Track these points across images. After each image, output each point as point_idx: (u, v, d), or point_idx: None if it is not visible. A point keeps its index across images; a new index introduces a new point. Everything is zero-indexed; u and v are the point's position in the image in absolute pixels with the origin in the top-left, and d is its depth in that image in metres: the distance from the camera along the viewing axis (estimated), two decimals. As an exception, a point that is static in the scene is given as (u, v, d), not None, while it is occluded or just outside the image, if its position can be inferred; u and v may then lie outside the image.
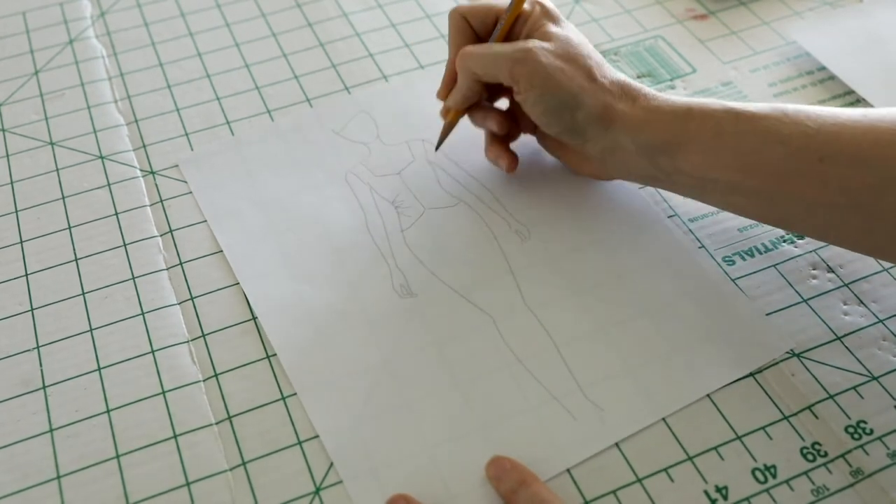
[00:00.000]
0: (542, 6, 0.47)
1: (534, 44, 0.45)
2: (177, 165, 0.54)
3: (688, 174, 0.43)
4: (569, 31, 0.47)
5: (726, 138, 0.41)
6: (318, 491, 0.40)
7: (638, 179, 0.48)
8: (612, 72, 0.46)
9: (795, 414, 0.42)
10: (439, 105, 0.51)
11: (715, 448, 0.41)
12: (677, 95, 0.45)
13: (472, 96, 0.48)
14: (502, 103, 0.52)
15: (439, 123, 0.53)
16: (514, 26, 0.48)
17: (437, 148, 0.52)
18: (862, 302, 0.46)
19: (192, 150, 0.55)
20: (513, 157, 0.50)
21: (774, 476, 0.40)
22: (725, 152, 0.41)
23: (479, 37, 0.49)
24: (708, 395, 0.42)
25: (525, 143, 0.53)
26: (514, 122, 0.50)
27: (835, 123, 0.39)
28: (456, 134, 0.53)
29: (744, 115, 0.41)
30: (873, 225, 0.39)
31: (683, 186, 0.45)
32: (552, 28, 0.46)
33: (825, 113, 0.40)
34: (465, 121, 0.54)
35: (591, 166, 0.49)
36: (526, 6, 0.47)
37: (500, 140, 0.51)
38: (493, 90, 0.50)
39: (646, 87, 0.45)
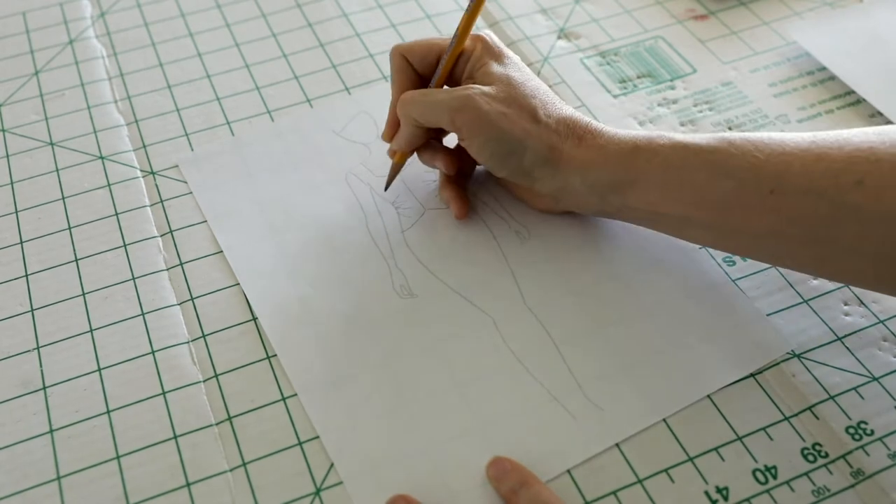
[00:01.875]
0: (484, 43, 0.46)
1: (473, 90, 0.44)
2: (177, 166, 0.54)
3: (639, 209, 0.43)
4: (511, 68, 0.45)
5: (674, 174, 0.41)
6: (318, 491, 0.40)
7: (592, 214, 0.48)
8: (559, 108, 0.45)
9: (796, 415, 0.42)
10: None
11: (715, 449, 0.41)
12: (626, 130, 0.44)
13: (416, 140, 0.47)
14: (451, 139, 0.51)
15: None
16: (455, 65, 0.47)
17: (385, 188, 0.51)
18: (862, 302, 0.46)
19: (192, 150, 0.55)
20: (464, 201, 0.49)
21: (775, 477, 0.40)
22: (674, 188, 0.41)
23: (421, 76, 0.47)
24: (708, 396, 0.42)
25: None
26: (466, 157, 0.48)
27: (783, 153, 0.39)
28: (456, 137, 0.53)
29: (691, 149, 0.41)
30: (827, 254, 0.39)
31: (636, 220, 0.45)
32: (494, 68, 0.45)
33: (773, 142, 0.40)
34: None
35: (544, 202, 0.48)
36: (467, 43, 0.46)
37: (454, 181, 0.50)
38: (439, 129, 0.48)
39: (593, 123, 0.44)
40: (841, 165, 0.37)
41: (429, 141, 0.48)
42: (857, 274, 0.40)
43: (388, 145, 0.50)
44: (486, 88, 0.44)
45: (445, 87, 0.48)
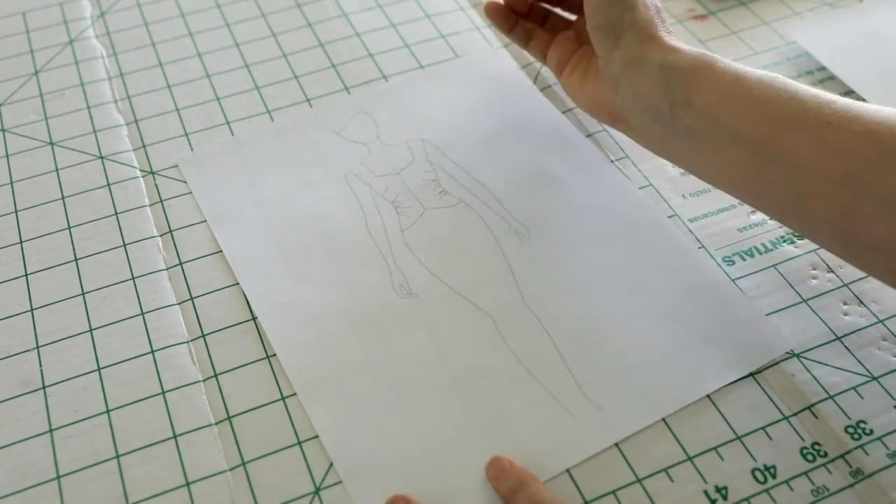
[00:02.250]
0: None
1: None
2: (177, 165, 0.54)
3: (695, 112, 0.43)
4: None
5: (747, 83, 0.42)
6: (318, 491, 0.40)
7: (642, 112, 0.46)
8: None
9: (795, 414, 0.42)
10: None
11: (715, 448, 0.41)
12: None
13: None
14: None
15: (439, 124, 0.53)
16: None
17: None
18: (862, 302, 0.46)
19: (192, 150, 0.55)
20: (505, 14, 0.54)
21: (774, 476, 0.40)
22: (741, 96, 0.42)
23: None
24: (708, 396, 0.42)
25: (526, 144, 0.54)
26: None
27: (849, 101, 0.40)
28: (456, 134, 0.53)
29: (766, 76, 0.42)
30: (857, 204, 0.38)
31: (683, 129, 0.44)
32: None
33: (825, 93, 0.41)
34: (467, 120, 0.54)
35: (600, 91, 0.48)
36: None
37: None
38: None
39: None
40: None
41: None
42: (882, 231, 0.38)
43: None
44: None
45: None
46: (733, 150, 0.42)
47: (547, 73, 0.59)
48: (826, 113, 0.39)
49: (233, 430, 0.42)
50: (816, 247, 0.48)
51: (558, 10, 0.55)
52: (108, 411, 0.42)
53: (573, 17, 0.54)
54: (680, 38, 0.46)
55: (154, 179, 0.53)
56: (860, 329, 0.45)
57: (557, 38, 0.53)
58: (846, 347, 0.44)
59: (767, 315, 0.45)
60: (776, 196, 0.41)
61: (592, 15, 0.47)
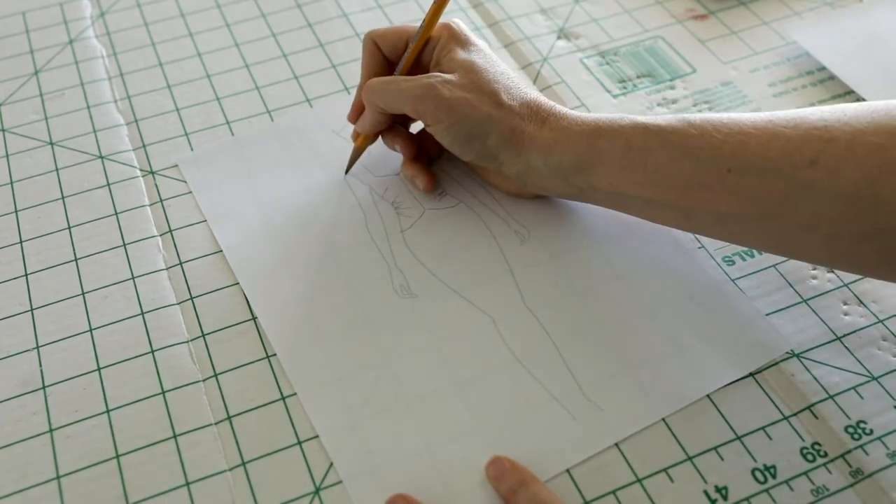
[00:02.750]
0: (450, 30, 0.47)
1: (435, 78, 0.45)
2: (177, 165, 0.54)
3: (602, 191, 0.44)
4: (476, 55, 0.46)
5: (635, 155, 0.42)
6: (317, 491, 0.40)
7: (558, 196, 0.49)
8: (523, 92, 0.46)
9: (795, 414, 0.42)
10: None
11: (715, 448, 0.41)
12: (587, 113, 0.46)
13: (379, 125, 0.49)
14: (416, 126, 0.52)
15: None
16: (422, 52, 0.48)
17: (346, 172, 0.52)
18: (862, 302, 0.46)
19: (192, 150, 0.55)
20: (430, 175, 0.51)
21: (774, 476, 0.40)
22: (635, 169, 0.42)
23: (390, 61, 0.49)
24: (708, 396, 0.42)
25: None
26: (433, 140, 0.50)
27: (740, 132, 0.40)
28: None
29: (652, 130, 0.41)
30: (784, 232, 0.39)
31: (601, 202, 0.46)
32: (459, 55, 0.46)
33: (731, 121, 0.40)
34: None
35: (511, 185, 0.49)
36: (435, 31, 0.48)
37: (417, 159, 0.51)
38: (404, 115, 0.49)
39: (557, 107, 0.45)
40: (796, 144, 0.38)
41: (392, 125, 0.50)
42: (813, 252, 0.40)
43: (390, 147, 0.50)
44: (447, 76, 0.45)
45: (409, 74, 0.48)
46: (653, 209, 0.43)
47: (547, 73, 0.59)
48: (721, 161, 0.39)
49: (233, 430, 0.42)
50: (816, 247, 0.48)
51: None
52: (108, 411, 0.42)
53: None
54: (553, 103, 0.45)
55: (154, 179, 0.53)
56: (860, 329, 0.45)
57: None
58: (846, 347, 0.44)
59: (767, 315, 0.45)
60: (708, 234, 0.43)
61: (460, 155, 0.47)
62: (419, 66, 0.48)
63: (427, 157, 0.52)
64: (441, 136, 0.46)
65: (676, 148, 0.41)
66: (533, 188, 0.48)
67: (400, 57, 0.49)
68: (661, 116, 0.42)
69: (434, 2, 0.46)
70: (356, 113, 0.50)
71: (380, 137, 0.51)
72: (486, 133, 0.45)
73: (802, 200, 0.38)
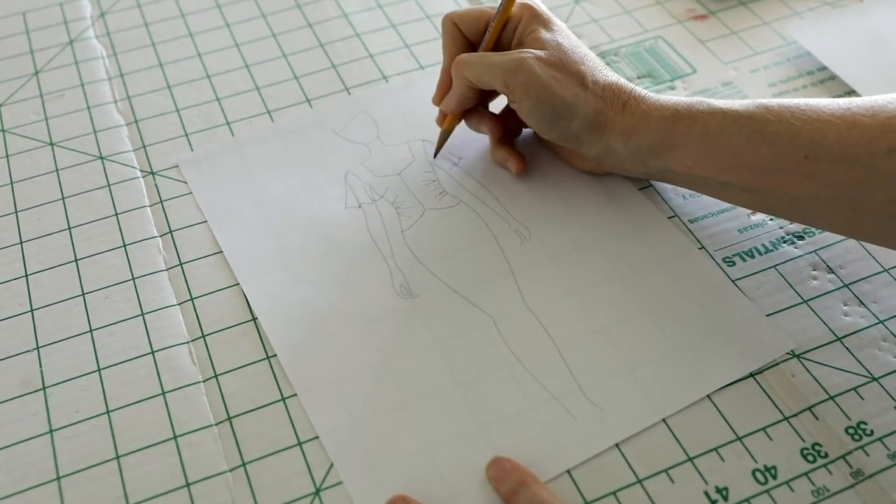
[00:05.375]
0: (531, 10, 0.48)
1: (527, 53, 0.45)
2: (177, 166, 0.54)
3: (679, 173, 0.45)
4: (560, 35, 0.47)
5: (713, 140, 0.42)
6: (318, 491, 0.40)
7: (634, 176, 0.50)
8: (605, 74, 0.46)
9: (796, 415, 0.42)
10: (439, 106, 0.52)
11: (715, 449, 0.41)
12: (670, 96, 0.46)
13: (467, 102, 0.49)
14: (498, 104, 0.53)
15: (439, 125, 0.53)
16: (503, 32, 0.49)
17: (435, 155, 0.53)
18: (862, 303, 0.46)
19: (192, 150, 0.55)
20: (520, 157, 0.51)
21: (775, 477, 0.40)
22: (713, 153, 0.43)
23: (471, 42, 0.49)
24: (708, 396, 0.42)
25: (524, 143, 0.54)
26: (514, 120, 0.51)
27: (818, 119, 0.40)
28: (456, 135, 0.53)
29: (730, 115, 0.42)
30: (859, 218, 0.40)
31: (677, 183, 0.47)
32: (543, 34, 0.47)
33: (810, 108, 0.41)
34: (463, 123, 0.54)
35: (587, 164, 0.50)
36: (514, 11, 0.48)
37: (504, 141, 0.52)
38: (487, 93, 0.50)
39: (637, 90, 0.46)
40: (874, 132, 0.39)
41: (476, 106, 0.51)
42: (887, 237, 0.41)
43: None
44: (539, 52, 0.45)
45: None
46: (729, 191, 0.44)
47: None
48: (798, 147, 0.40)
49: (233, 430, 0.42)
50: (817, 247, 0.48)
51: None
52: (108, 412, 0.42)
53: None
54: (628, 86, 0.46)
55: (154, 180, 0.53)
56: (860, 330, 0.45)
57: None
58: (846, 348, 0.44)
59: (768, 315, 0.45)
60: (783, 216, 0.44)
61: (542, 134, 0.48)
62: (499, 48, 0.49)
63: (512, 138, 0.52)
64: (527, 114, 0.46)
65: (754, 133, 0.41)
66: (609, 168, 0.49)
67: (480, 38, 0.49)
68: (739, 101, 0.43)
69: None
70: (441, 94, 0.51)
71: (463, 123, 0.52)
72: (573, 114, 0.45)
73: (880, 188, 0.38)
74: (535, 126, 0.47)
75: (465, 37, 0.49)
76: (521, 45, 0.47)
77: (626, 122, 0.45)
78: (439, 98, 0.51)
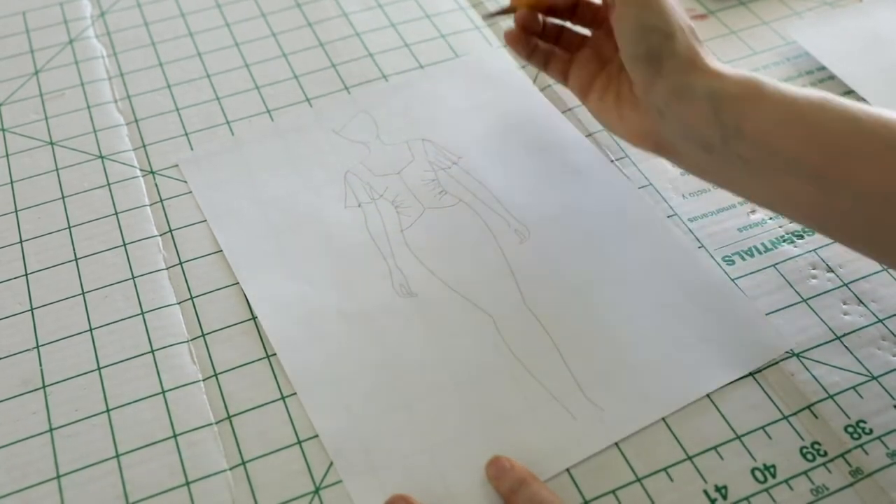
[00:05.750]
0: None
1: None
2: (177, 165, 0.54)
3: (748, 140, 0.40)
4: None
5: (799, 106, 0.39)
6: (317, 490, 0.40)
7: (691, 142, 0.43)
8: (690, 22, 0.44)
9: (795, 414, 0.42)
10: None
11: (714, 448, 0.41)
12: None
13: None
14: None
15: (439, 124, 0.53)
16: None
17: (487, 17, 0.53)
18: (861, 302, 0.46)
19: (192, 150, 0.55)
20: (519, 36, 0.50)
21: (774, 476, 0.40)
22: (796, 121, 0.39)
23: None
24: (708, 395, 0.42)
25: (526, 144, 0.54)
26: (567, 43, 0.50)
27: None
28: (457, 136, 0.53)
29: (816, 93, 0.40)
30: None
31: (736, 158, 0.41)
32: None
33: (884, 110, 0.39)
34: (466, 120, 0.54)
35: (643, 122, 0.45)
36: None
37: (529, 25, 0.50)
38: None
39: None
40: None
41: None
42: None
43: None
44: None
45: None
46: (791, 178, 0.40)
47: (547, 72, 0.59)
48: (886, 135, 0.37)
49: (233, 429, 0.42)
50: (816, 246, 0.48)
51: (571, 26, 0.51)
52: (108, 411, 0.43)
53: (588, 33, 0.51)
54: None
55: (154, 179, 0.53)
56: (860, 328, 0.45)
57: (577, 59, 0.50)
58: (846, 347, 0.44)
59: (767, 315, 0.45)
60: (844, 223, 0.40)
61: (627, 44, 0.44)
62: None
63: (561, 44, 0.51)
64: (623, 16, 0.43)
65: (844, 110, 0.39)
66: (670, 125, 0.43)
67: None
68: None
69: None
70: None
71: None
72: (671, 34, 0.42)
73: None
74: (627, 34, 0.43)
75: None
76: None
77: (714, 68, 0.42)
78: None
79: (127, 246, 0.50)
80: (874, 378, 0.43)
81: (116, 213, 0.51)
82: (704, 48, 0.43)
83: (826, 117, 0.39)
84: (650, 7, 0.42)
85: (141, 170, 0.54)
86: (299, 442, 0.41)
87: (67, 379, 0.44)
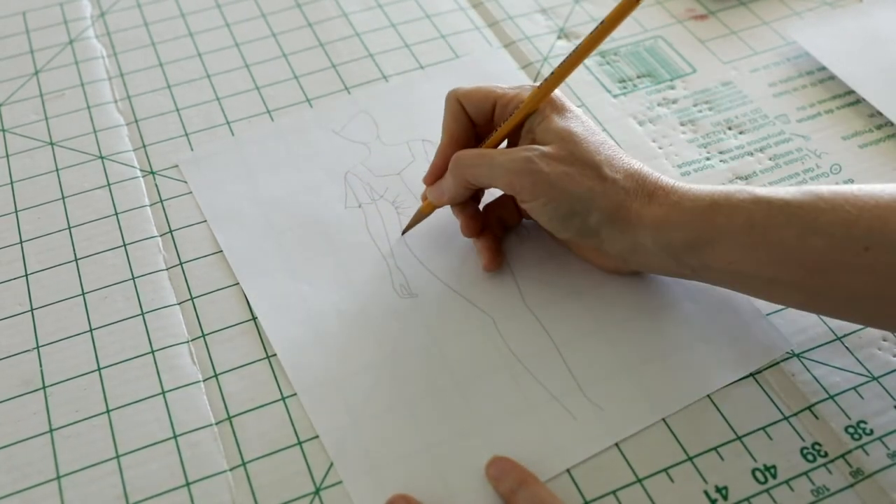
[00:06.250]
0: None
1: (533, 151, 0.41)
2: (177, 165, 0.54)
3: (719, 270, 0.40)
4: (573, 122, 0.43)
5: (759, 232, 0.38)
6: (318, 491, 0.40)
7: (665, 275, 0.45)
8: (626, 163, 0.42)
9: (795, 414, 0.42)
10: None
11: (715, 448, 0.41)
12: (698, 185, 0.41)
13: (461, 197, 0.46)
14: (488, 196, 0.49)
15: (439, 124, 0.53)
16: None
17: (403, 232, 0.49)
18: (862, 302, 0.46)
19: (192, 150, 0.55)
20: (493, 253, 0.47)
21: (774, 476, 0.40)
22: (759, 248, 0.38)
23: (474, 123, 0.46)
24: (708, 396, 0.42)
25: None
26: (508, 211, 0.48)
27: (877, 206, 0.36)
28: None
29: (776, 204, 0.38)
30: None
31: (716, 281, 0.42)
32: (555, 123, 0.42)
33: (865, 194, 0.37)
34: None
35: (611, 263, 0.45)
36: (521, 94, 0.44)
37: (482, 233, 0.47)
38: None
39: (664, 178, 0.41)
40: None
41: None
42: None
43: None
44: (545, 148, 0.41)
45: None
46: (775, 289, 0.40)
47: (547, 72, 0.59)
48: (857, 239, 0.36)
49: (233, 430, 0.42)
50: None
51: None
52: (108, 411, 0.42)
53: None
54: (646, 159, 0.43)
55: (154, 179, 0.53)
56: (860, 329, 0.45)
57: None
58: (846, 347, 0.44)
59: (767, 315, 0.45)
60: (844, 315, 0.40)
61: (556, 233, 0.44)
62: (508, 133, 0.45)
63: (501, 227, 0.48)
64: (537, 213, 0.42)
65: (805, 225, 0.37)
66: (635, 266, 0.45)
67: (486, 118, 0.45)
68: (784, 188, 0.39)
69: (551, 75, 0.42)
70: (433, 176, 0.46)
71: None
72: (588, 210, 0.41)
73: None
74: (548, 225, 0.43)
75: (469, 117, 0.45)
76: (530, 134, 0.43)
77: (654, 214, 0.40)
78: (431, 180, 0.46)
79: (127, 246, 0.50)
80: (875, 378, 0.43)
81: (116, 214, 0.51)
82: (640, 186, 0.41)
83: (789, 237, 0.37)
84: (553, 197, 0.41)
85: (141, 170, 0.54)
86: (299, 442, 0.41)
87: (67, 379, 0.44)
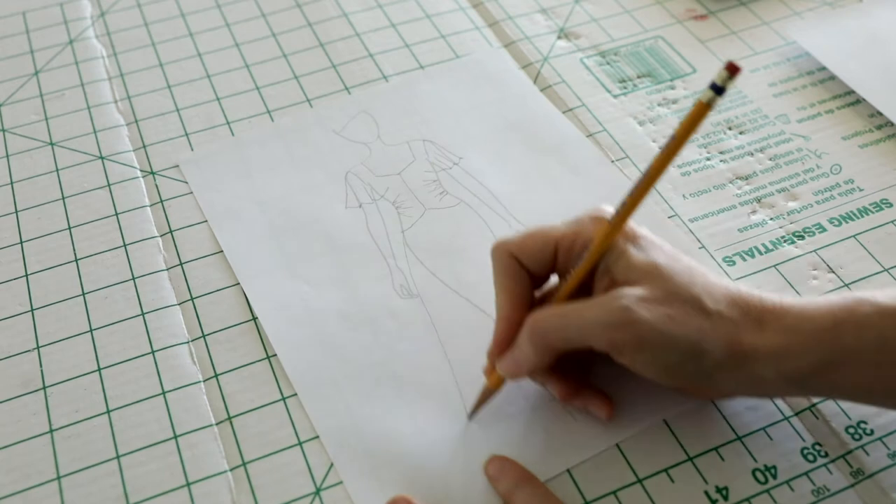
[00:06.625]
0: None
1: (626, 298, 0.35)
2: (177, 165, 0.54)
3: (850, 390, 0.37)
4: (654, 252, 0.37)
5: (892, 348, 0.35)
6: (318, 491, 0.40)
7: (779, 397, 0.42)
8: (721, 286, 0.37)
9: (796, 414, 0.42)
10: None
11: (715, 448, 0.41)
12: (812, 297, 0.37)
13: (542, 366, 0.38)
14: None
15: (439, 124, 0.53)
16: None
17: (470, 416, 0.42)
18: (862, 302, 0.46)
19: (192, 150, 0.55)
20: (604, 399, 0.41)
21: (775, 476, 0.40)
22: (894, 364, 0.35)
23: (533, 275, 0.39)
24: (708, 396, 0.42)
25: (526, 144, 0.53)
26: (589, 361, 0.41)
27: None
28: (458, 136, 0.53)
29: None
30: None
31: (841, 398, 0.40)
32: (635, 256, 0.37)
33: None
34: (467, 120, 0.54)
35: (717, 394, 0.41)
36: (587, 228, 0.38)
37: (577, 389, 0.41)
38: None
39: (766, 297, 0.37)
40: None
41: None
42: None
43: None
44: (637, 291, 0.35)
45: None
46: None
47: (547, 72, 0.59)
48: None
49: (233, 430, 0.42)
50: (817, 247, 0.48)
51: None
52: (108, 411, 0.42)
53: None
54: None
55: (154, 179, 0.53)
56: (861, 329, 0.45)
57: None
58: (846, 347, 0.44)
59: (768, 315, 0.45)
60: None
61: (666, 383, 0.38)
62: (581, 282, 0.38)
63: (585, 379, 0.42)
64: (642, 367, 0.36)
65: None
66: (750, 395, 0.41)
67: (546, 268, 0.39)
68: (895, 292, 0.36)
69: (628, 195, 0.36)
70: (502, 346, 0.39)
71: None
72: (701, 353, 0.35)
73: None
74: (657, 377, 0.37)
75: (528, 270, 0.39)
76: (608, 275, 0.37)
77: (772, 344, 0.35)
78: (499, 351, 0.39)
79: (127, 246, 0.50)
80: (875, 378, 0.43)
81: (116, 214, 0.51)
82: (744, 319, 0.36)
83: None
84: (661, 348, 0.35)
85: (141, 170, 0.54)
86: (300, 443, 0.41)
87: (68, 380, 0.44)
